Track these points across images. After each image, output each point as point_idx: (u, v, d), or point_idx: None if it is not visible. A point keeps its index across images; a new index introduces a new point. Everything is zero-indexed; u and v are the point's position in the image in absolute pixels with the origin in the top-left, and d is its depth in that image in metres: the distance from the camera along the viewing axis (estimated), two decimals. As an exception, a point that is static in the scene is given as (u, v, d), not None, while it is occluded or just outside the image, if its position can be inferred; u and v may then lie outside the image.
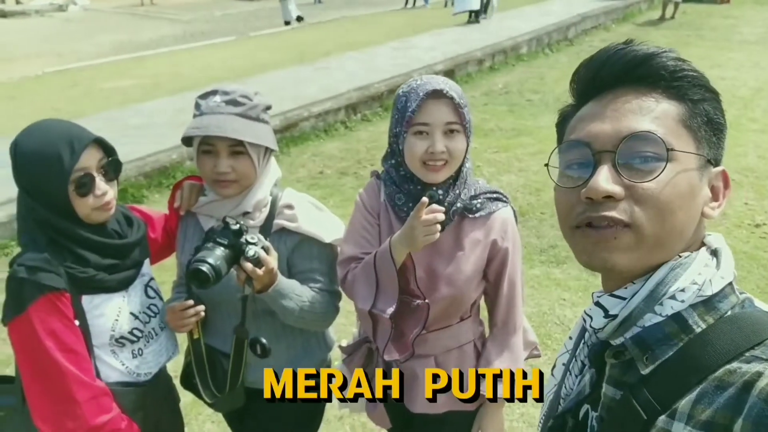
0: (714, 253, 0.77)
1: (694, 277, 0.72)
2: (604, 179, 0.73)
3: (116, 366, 1.62)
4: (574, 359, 0.92)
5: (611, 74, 0.78)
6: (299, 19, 15.41)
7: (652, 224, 0.72)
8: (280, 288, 1.60)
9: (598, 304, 0.78)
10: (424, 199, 1.46)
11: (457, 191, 1.57)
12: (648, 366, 0.71)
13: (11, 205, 4.81)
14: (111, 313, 1.58)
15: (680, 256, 0.75)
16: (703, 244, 0.79)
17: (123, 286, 1.62)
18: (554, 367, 0.99)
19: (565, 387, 0.91)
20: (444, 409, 1.71)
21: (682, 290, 0.72)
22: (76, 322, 1.52)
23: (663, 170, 0.72)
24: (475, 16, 12.60)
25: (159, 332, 1.73)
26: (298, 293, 1.64)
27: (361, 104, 7.60)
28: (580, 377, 0.88)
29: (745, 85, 8.31)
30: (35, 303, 1.45)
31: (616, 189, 0.73)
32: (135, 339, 1.65)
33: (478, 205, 1.60)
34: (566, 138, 0.82)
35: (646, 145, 0.73)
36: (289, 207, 1.71)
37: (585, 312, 0.81)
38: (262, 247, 1.56)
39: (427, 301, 1.58)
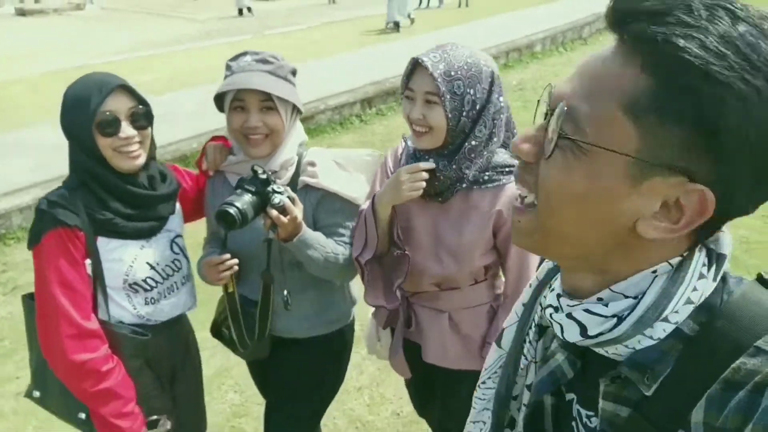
0: (715, 258, 0.65)
1: (690, 295, 0.62)
2: (524, 137, 0.65)
3: (128, 308, 1.71)
4: (530, 326, 0.82)
5: (614, 16, 0.60)
6: (248, 9, 17.32)
7: (544, 212, 0.63)
8: (305, 238, 1.68)
9: (571, 317, 0.66)
10: (422, 164, 1.61)
11: (456, 166, 1.61)
12: (651, 386, 0.62)
13: (38, 189, 4.93)
14: (126, 258, 1.67)
15: (671, 264, 0.62)
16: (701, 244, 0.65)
17: (142, 235, 1.70)
18: (500, 337, 0.88)
19: (525, 357, 0.81)
20: (457, 366, 1.78)
21: (676, 312, 0.62)
22: (88, 261, 1.62)
23: (551, 154, 0.60)
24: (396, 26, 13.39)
25: (180, 287, 1.81)
26: (322, 244, 1.72)
27: (376, 98, 7.68)
28: (540, 348, 0.80)
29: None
30: (47, 235, 1.58)
31: (526, 149, 0.64)
32: (149, 288, 1.72)
33: (486, 178, 1.65)
34: None
35: (561, 116, 0.60)
36: (312, 164, 1.79)
37: (551, 316, 0.70)
38: (288, 197, 1.65)
39: (407, 252, 1.70)
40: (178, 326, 1.90)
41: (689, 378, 0.60)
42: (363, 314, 2.09)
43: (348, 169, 1.86)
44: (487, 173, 1.65)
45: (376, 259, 1.75)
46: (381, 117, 7.60)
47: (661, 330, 0.62)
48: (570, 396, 0.75)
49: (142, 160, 1.66)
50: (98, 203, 1.63)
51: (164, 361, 1.85)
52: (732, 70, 0.52)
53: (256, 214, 1.64)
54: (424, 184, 1.60)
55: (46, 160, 5.40)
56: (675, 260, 0.63)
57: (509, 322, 0.87)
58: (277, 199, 1.62)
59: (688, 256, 0.63)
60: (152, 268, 1.72)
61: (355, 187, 1.83)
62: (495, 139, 1.64)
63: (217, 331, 1.99)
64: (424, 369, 1.86)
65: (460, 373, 1.78)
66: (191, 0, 20.99)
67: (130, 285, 1.69)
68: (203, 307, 1.98)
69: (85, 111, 1.56)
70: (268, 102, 1.69)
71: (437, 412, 2.01)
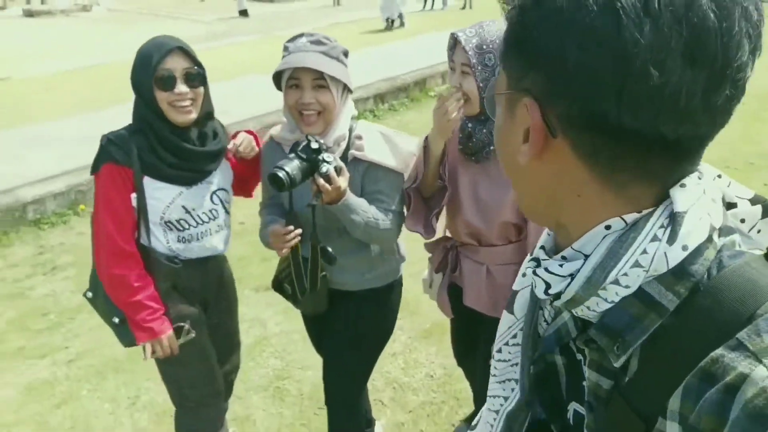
0: (672, 217, 0.56)
1: (638, 258, 0.56)
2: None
3: (162, 242, 1.98)
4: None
5: None
6: (244, 12, 17.67)
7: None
8: (348, 203, 1.83)
9: (537, 274, 0.64)
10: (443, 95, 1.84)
11: (486, 130, 1.85)
12: (620, 356, 0.59)
13: (70, 176, 5.10)
14: (165, 198, 1.92)
15: (624, 221, 0.58)
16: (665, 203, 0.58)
17: (181, 182, 1.94)
18: (511, 303, 0.82)
19: (543, 322, 0.76)
20: (491, 313, 1.98)
21: (625, 274, 0.57)
22: (134, 195, 1.89)
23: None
24: (391, 24, 14.25)
25: (213, 233, 2.05)
26: (364, 209, 1.87)
27: (388, 94, 7.87)
28: (554, 317, 0.75)
29: (759, 84, 8.52)
30: (102, 167, 1.88)
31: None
32: (181, 228, 1.98)
33: None
34: None
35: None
36: (359, 137, 1.94)
37: (533, 272, 0.66)
38: (336, 167, 1.79)
39: (447, 184, 1.94)
40: (211, 265, 2.13)
41: (667, 358, 0.56)
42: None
43: (394, 140, 2.00)
44: None
45: (419, 192, 1.99)
46: (393, 112, 7.79)
47: (613, 293, 0.58)
48: (579, 356, 0.70)
49: (193, 116, 1.88)
50: (149, 149, 1.88)
51: (195, 292, 2.10)
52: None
53: (305, 178, 1.78)
54: (454, 115, 1.78)
55: (71, 152, 5.58)
56: (631, 217, 0.57)
57: (520, 284, 0.81)
58: (324, 168, 1.76)
59: (648, 213, 0.57)
60: (187, 212, 1.97)
61: (399, 158, 1.97)
62: None
63: (278, 285, 2.16)
64: (467, 315, 2.08)
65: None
66: (198, 1, 21.17)
67: (165, 222, 1.95)
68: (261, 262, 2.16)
69: (147, 68, 1.81)
70: (320, 80, 1.84)
71: (479, 362, 2.19)
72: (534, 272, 0.64)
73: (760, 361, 0.49)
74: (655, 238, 0.56)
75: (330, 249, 1.97)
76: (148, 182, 1.89)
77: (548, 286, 0.62)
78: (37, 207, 4.86)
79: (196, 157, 1.94)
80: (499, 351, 0.84)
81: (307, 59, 1.83)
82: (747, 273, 0.55)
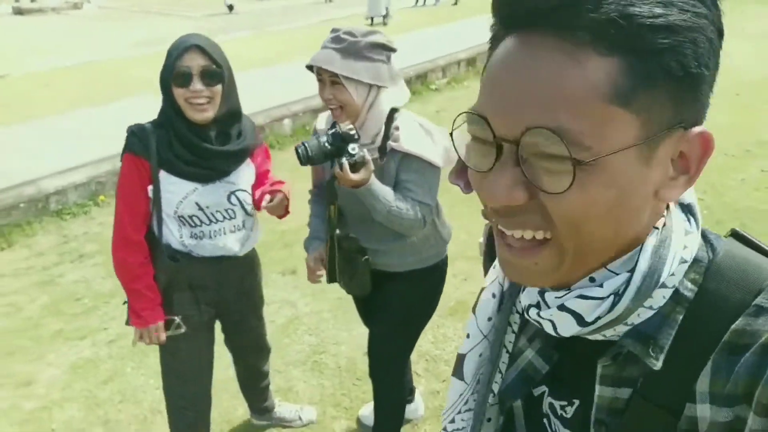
0: (688, 209, 0.62)
1: (681, 254, 0.58)
2: (504, 186, 0.54)
3: (176, 235, 2.01)
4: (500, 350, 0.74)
5: (527, 11, 0.53)
6: (230, 7, 17.54)
7: (571, 240, 0.55)
8: (371, 189, 1.86)
9: (563, 308, 0.59)
10: None
11: None
12: (658, 359, 0.57)
13: (89, 168, 5.20)
14: (180, 192, 1.94)
15: (657, 228, 0.58)
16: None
17: (196, 178, 1.95)
18: (458, 368, 0.77)
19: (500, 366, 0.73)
20: None
21: (672, 274, 0.57)
22: (150, 187, 1.94)
23: (571, 184, 0.51)
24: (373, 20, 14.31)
25: (227, 233, 2.05)
26: (388, 198, 1.89)
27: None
28: (519, 341, 0.73)
29: (755, 72, 8.78)
30: (125, 155, 1.94)
31: (519, 197, 0.54)
32: (194, 224, 2.00)
33: None
34: (478, 98, 0.58)
35: (552, 144, 0.51)
36: (396, 128, 1.96)
37: (539, 315, 0.62)
38: (356, 161, 1.82)
39: None
40: (226, 266, 2.11)
41: (691, 345, 0.57)
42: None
43: (432, 133, 2.02)
44: None
45: None
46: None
47: (660, 297, 0.58)
48: (540, 390, 0.69)
49: (210, 114, 1.88)
50: (167, 144, 1.91)
51: (208, 290, 2.11)
52: (684, 11, 0.50)
53: (326, 159, 1.85)
54: None
55: (85, 144, 5.67)
56: (659, 222, 0.59)
57: (468, 347, 0.76)
58: (343, 159, 1.81)
59: (666, 215, 0.60)
60: (200, 209, 1.98)
61: (434, 151, 1.97)
62: None
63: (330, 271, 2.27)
64: None
65: None
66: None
67: (179, 217, 1.97)
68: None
69: (168, 65, 1.85)
70: (335, 78, 1.86)
71: None
72: (560, 307, 0.59)
73: None
74: (687, 232, 0.60)
75: (353, 235, 2.08)
76: (164, 176, 1.93)
77: (579, 317, 0.58)
78: (59, 198, 4.95)
79: (213, 155, 1.94)
80: (452, 421, 0.79)
81: (319, 57, 1.87)
82: (737, 252, 0.60)
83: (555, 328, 0.61)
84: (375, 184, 1.88)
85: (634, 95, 0.50)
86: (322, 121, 2.16)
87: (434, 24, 13.07)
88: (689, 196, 0.63)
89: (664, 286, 0.57)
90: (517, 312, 0.74)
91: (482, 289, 0.80)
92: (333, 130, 1.84)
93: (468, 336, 0.77)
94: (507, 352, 0.73)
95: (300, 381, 3.02)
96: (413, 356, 3.10)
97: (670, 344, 0.58)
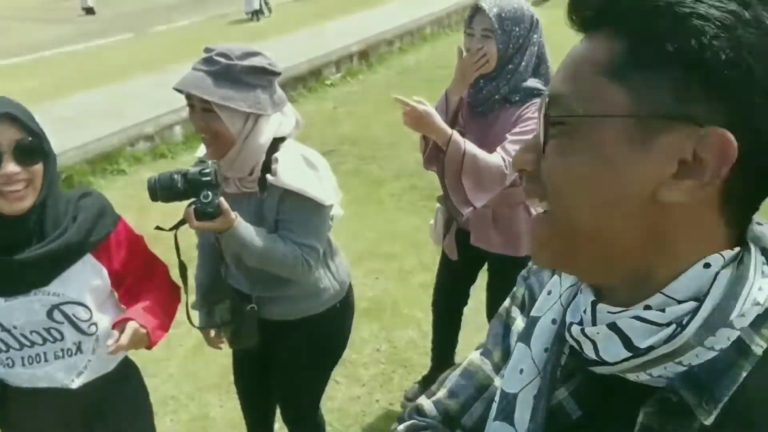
0: (764, 251, 0.55)
1: (756, 295, 0.52)
2: (521, 148, 0.61)
3: None
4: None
5: (584, 16, 0.56)
6: (89, 10, 16.52)
7: (558, 211, 0.56)
8: (235, 234, 1.66)
9: (614, 327, 0.55)
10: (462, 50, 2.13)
11: (495, 83, 2.15)
12: (711, 413, 0.51)
13: None
14: None
15: (723, 257, 0.53)
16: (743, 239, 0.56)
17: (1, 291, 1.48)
18: (524, 334, 0.70)
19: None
20: (495, 250, 2.32)
21: (742, 315, 0.51)
22: None
23: (545, 145, 0.55)
24: (255, 15, 14.02)
25: (52, 360, 1.55)
26: (257, 243, 1.70)
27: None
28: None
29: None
30: None
31: (527, 161, 0.58)
32: (0, 349, 1.52)
33: (517, 98, 2.15)
34: None
35: (549, 107, 0.56)
36: (275, 161, 1.74)
37: (582, 332, 0.58)
38: (205, 211, 1.60)
39: (463, 130, 2.19)
40: (55, 401, 1.59)
41: (751, 410, 0.51)
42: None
43: (317, 167, 1.81)
44: (518, 94, 2.15)
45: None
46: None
47: (725, 338, 0.51)
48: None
49: (27, 203, 1.44)
50: None
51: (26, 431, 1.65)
52: (698, 1, 0.49)
53: (178, 200, 1.64)
54: (477, 67, 2.08)
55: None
56: (728, 253, 0.53)
57: (517, 386, 0.67)
58: (192, 205, 1.62)
59: (741, 250, 0.54)
60: (4, 329, 1.49)
61: (319, 187, 1.78)
62: (524, 65, 2.13)
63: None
64: (471, 253, 2.41)
65: (503, 257, 2.31)
66: (61, 0, 19.80)
67: None
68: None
69: None
70: (207, 105, 1.64)
71: (491, 300, 2.54)
72: (610, 326, 0.55)
73: None
74: (764, 274, 0.53)
75: (230, 282, 1.92)
76: None
77: (629, 341, 0.53)
78: None
79: (18, 263, 1.44)
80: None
81: (189, 80, 1.65)
82: None
83: (597, 351, 0.56)
84: (240, 228, 1.67)
85: (629, 73, 0.51)
86: (200, 153, 1.89)
87: (326, 17, 12.96)
88: (761, 231, 0.56)
89: (731, 326, 0.51)
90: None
91: (511, 304, 0.80)
92: (186, 171, 1.62)
93: (521, 371, 0.67)
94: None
95: (216, 406, 2.90)
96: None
97: (726, 402, 0.51)
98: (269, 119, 1.74)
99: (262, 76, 1.69)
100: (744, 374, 0.51)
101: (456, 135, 2.08)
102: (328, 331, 2.04)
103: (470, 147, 2.06)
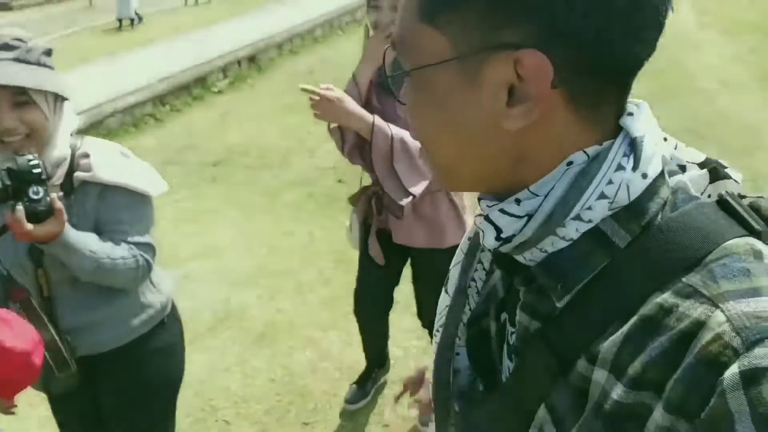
0: (632, 144, 0.55)
1: (603, 189, 0.53)
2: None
3: None
4: (476, 267, 0.74)
5: None
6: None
7: (426, 147, 0.61)
8: (66, 243, 1.44)
9: (488, 219, 0.59)
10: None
11: None
12: (563, 297, 0.55)
13: None
14: None
15: (587, 154, 0.54)
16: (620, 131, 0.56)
17: None
18: (447, 281, 0.78)
19: (469, 304, 0.72)
20: (421, 245, 2.16)
21: (589, 208, 0.53)
22: None
23: (394, 91, 0.63)
24: (131, 23, 13.36)
25: None
26: (92, 249, 1.48)
27: (169, 95, 7.37)
28: (486, 282, 0.72)
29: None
30: None
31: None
32: None
33: None
34: None
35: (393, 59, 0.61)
36: (86, 156, 1.53)
37: (476, 223, 0.62)
38: (37, 210, 1.38)
39: (375, 122, 2.00)
40: None
41: (605, 299, 0.53)
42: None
43: (129, 155, 1.63)
44: None
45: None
46: (177, 114, 7.31)
47: (573, 229, 0.54)
48: (504, 316, 0.68)
49: None
50: None
51: None
52: None
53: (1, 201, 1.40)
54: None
55: None
56: (593, 149, 0.54)
57: (455, 261, 0.78)
58: (19, 204, 1.37)
59: (609, 143, 0.55)
60: None
61: (143, 178, 1.61)
62: None
63: None
64: (399, 254, 2.28)
65: (431, 251, 2.14)
66: None
67: None
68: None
69: None
70: (22, 96, 1.42)
71: (420, 294, 2.41)
72: (486, 218, 0.59)
73: (717, 306, 0.47)
74: (619, 167, 0.54)
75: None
76: None
77: (500, 231, 0.57)
78: None
79: None
80: (437, 330, 0.80)
81: None
82: (699, 217, 0.53)
83: (483, 238, 0.61)
84: (70, 235, 1.44)
85: (437, 13, 0.52)
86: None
87: (209, 22, 12.43)
88: (640, 128, 0.55)
89: (579, 218, 0.54)
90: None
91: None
92: (8, 165, 1.37)
93: (461, 250, 0.78)
94: (483, 269, 0.73)
95: None
96: (219, 402, 2.77)
97: (580, 288, 0.55)
98: (66, 106, 1.55)
99: (50, 56, 1.51)
100: (602, 265, 0.54)
101: (378, 120, 1.92)
102: (159, 356, 1.73)
103: (396, 130, 1.92)
